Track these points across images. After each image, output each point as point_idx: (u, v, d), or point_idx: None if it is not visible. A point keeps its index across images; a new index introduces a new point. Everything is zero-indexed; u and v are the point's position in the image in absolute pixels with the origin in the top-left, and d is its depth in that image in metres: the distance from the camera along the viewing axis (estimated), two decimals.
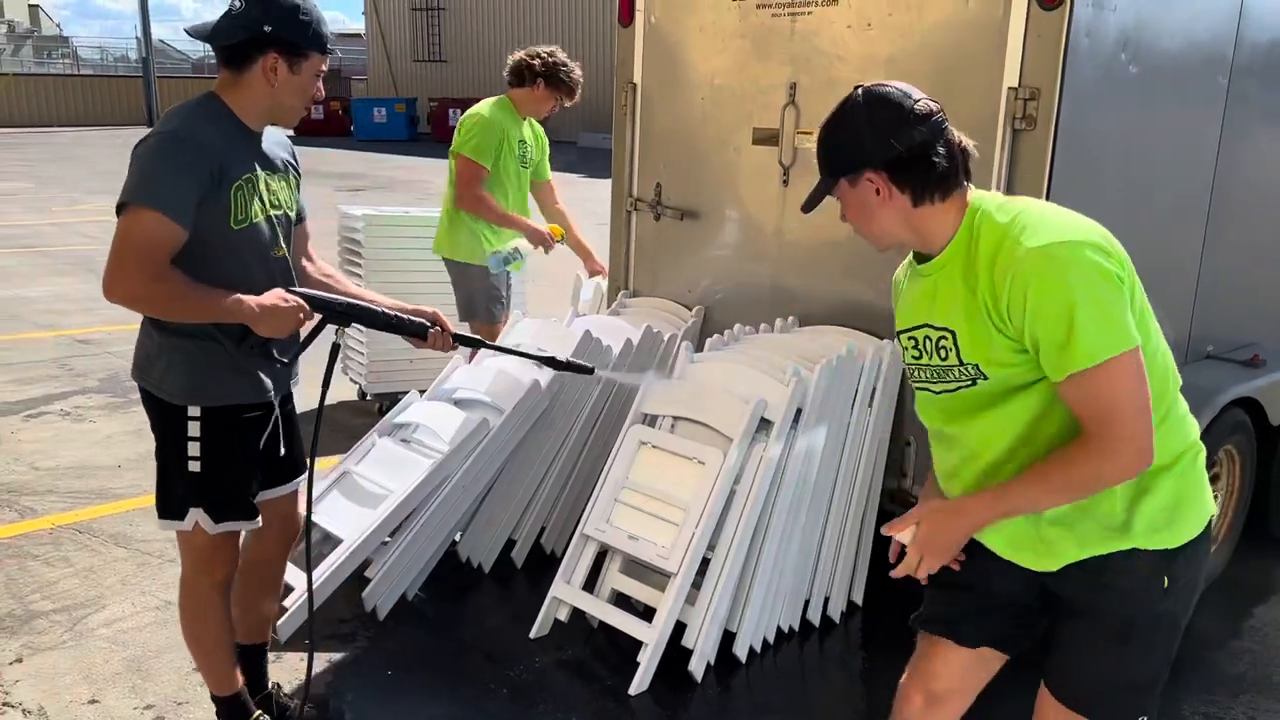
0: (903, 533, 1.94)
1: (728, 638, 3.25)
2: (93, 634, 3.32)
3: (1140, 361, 1.70)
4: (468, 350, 4.15)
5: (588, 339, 3.86)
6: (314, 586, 3.29)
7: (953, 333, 1.84)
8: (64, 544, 3.95)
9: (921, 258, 1.92)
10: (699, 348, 3.88)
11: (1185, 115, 3.51)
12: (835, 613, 3.53)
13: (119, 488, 4.47)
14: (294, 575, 3.42)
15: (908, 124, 1.79)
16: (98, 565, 3.78)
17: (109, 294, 2.20)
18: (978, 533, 1.91)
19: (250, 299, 2.27)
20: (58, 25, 65.45)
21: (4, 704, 2.94)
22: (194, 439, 2.38)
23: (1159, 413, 1.77)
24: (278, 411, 2.52)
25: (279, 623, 3.26)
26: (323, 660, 3.22)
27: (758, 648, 3.31)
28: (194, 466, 2.40)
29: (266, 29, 2.26)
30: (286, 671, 3.14)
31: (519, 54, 4.58)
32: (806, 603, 3.48)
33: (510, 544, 3.88)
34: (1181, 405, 1.89)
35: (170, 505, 2.46)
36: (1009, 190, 3.10)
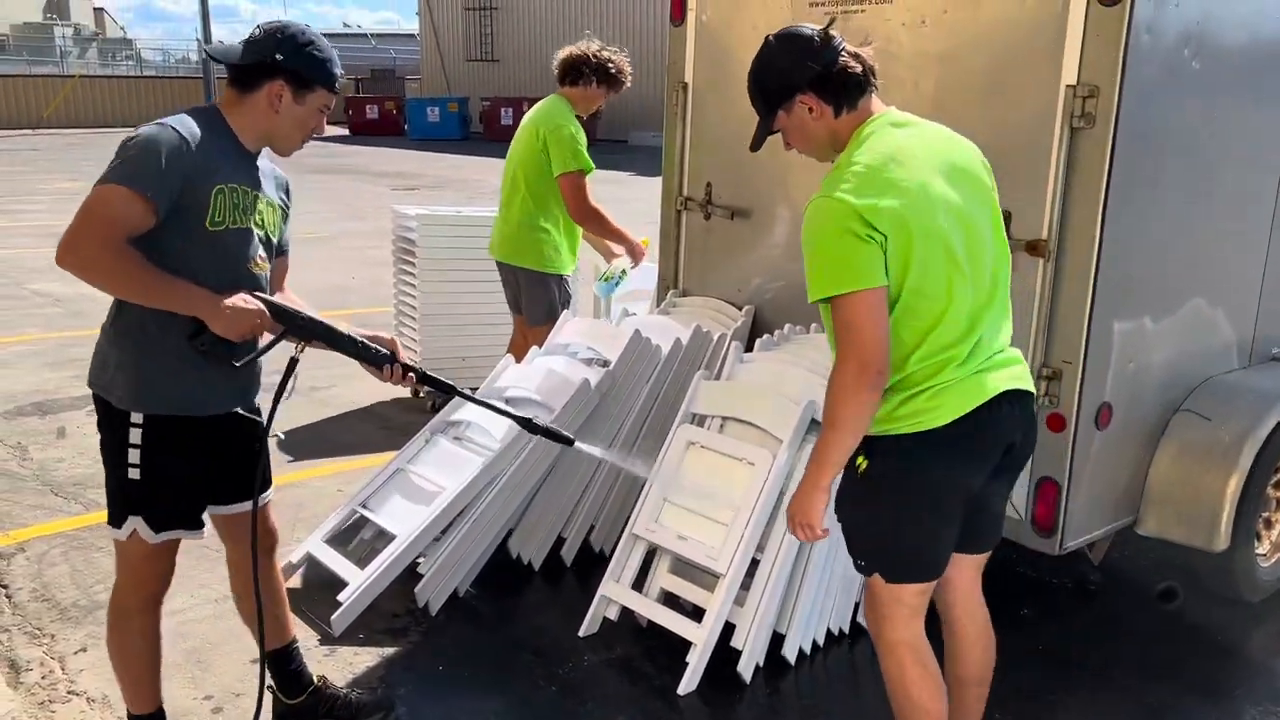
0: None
1: (777, 639, 3.24)
2: None
3: (871, 300, 2.10)
4: (510, 359, 4.18)
5: (638, 339, 3.87)
6: (368, 582, 3.36)
7: None
8: None
9: None
10: (749, 348, 3.87)
11: (1250, 111, 3.42)
12: None
13: None
14: (349, 570, 3.48)
15: (815, 47, 2.24)
16: None
17: (61, 259, 2.18)
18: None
19: (209, 293, 2.26)
20: (122, 28, 67.12)
21: (69, 692, 3.03)
22: (134, 446, 2.36)
23: (908, 345, 2.18)
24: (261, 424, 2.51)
25: (334, 617, 3.31)
26: (375, 654, 3.26)
27: (807, 650, 3.30)
28: (134, 474, 2.37)
29: (278, 58, 2.34)
30: (339, 664, 3.19)
31: (569, 51, 4.56)
32: (857, 605, 3.45)
33: (560, 542, 3.90)
34: (946, 356, 2.20)
35: (111, 512, 2.43)
36: (1067, 189, 3.05)
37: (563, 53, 4.58)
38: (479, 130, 29.55)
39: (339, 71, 2.46)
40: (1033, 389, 2.37)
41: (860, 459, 2.26)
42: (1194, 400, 3.50)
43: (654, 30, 25.14)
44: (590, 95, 4.56)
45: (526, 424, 2.68)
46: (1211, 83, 3.20)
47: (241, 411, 2.54)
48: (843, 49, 2.25)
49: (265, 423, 2.51)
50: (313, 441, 5.19)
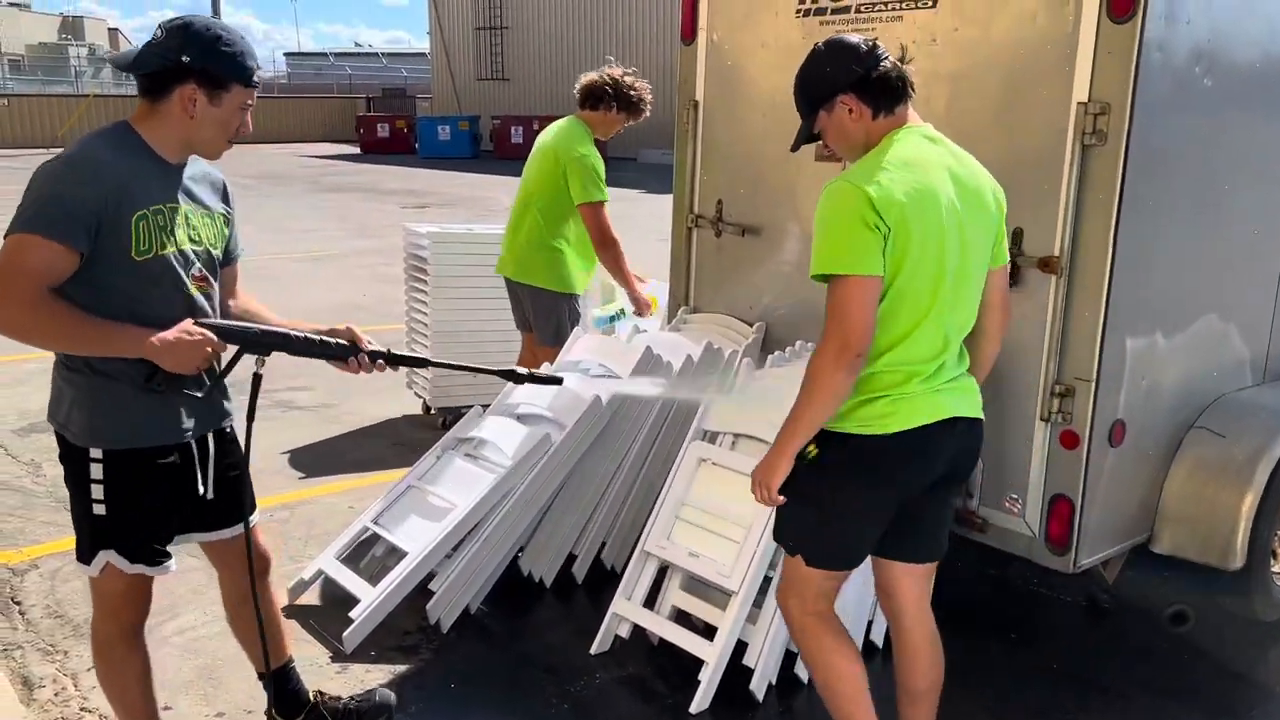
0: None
1: (789, 658, 3.23)
2: (166, 642, 3.40)
3: (864, 286, 2.21)
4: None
5: (649, 355, 3.87)
6: (380, 599, 3.35)
7: None
8: None
9: None
10: (760, 364, 3.87)
11: (1262, 127, 3.42)
12: None
13: None
14: (360, 587, 3.48)
15: (861, 53, 2.38)
16: (170, 574, 3.86)
17: None
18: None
19: (150, 333, 2.16)
20: (136, 48, 67.62)
21: (82, 710, 3.03)
22: (97, 481, 2.28)
23: (881, 346, 2.28)
24: (201, 450, 2.41)
25: (345, 634, 3.31)
26: (386, 672, 3.26)
27: None
28: (99, 510, 2.30)
29: (185, 59, 2.17)
30: (351, 681, 3.19)
31: (591, 76, 4.59)
32: (870, 624, 3.44)
33: (571, 559, 3.90)
34: (914, 369, 2.31)
35: (81, 549, 2.37)
36: (1079, 206, 3.05)
37: (585, 77, 4.61)
38: (489, 149, 29.65)
39: (255, 64, 2.28)
40: (982, 415, 2.51)
41: (811, 447, 2.36)
42: (1208, 417, 3.48)
43: (664, 49, 25.27)
44: (609, 120, 4.58)
45: (510, 375, 2.63)
46: (1223, 99, 3.20)
47: (220, 432, 2.48)
48: (886, 57, 2.40)
49: (244, 446, 2.40)
50: (324, 458, 5.20)
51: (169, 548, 2.46)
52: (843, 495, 2.42)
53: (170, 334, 2.17)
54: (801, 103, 2.49)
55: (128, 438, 2.29)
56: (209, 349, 2.22)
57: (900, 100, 2.41)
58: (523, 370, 2.63)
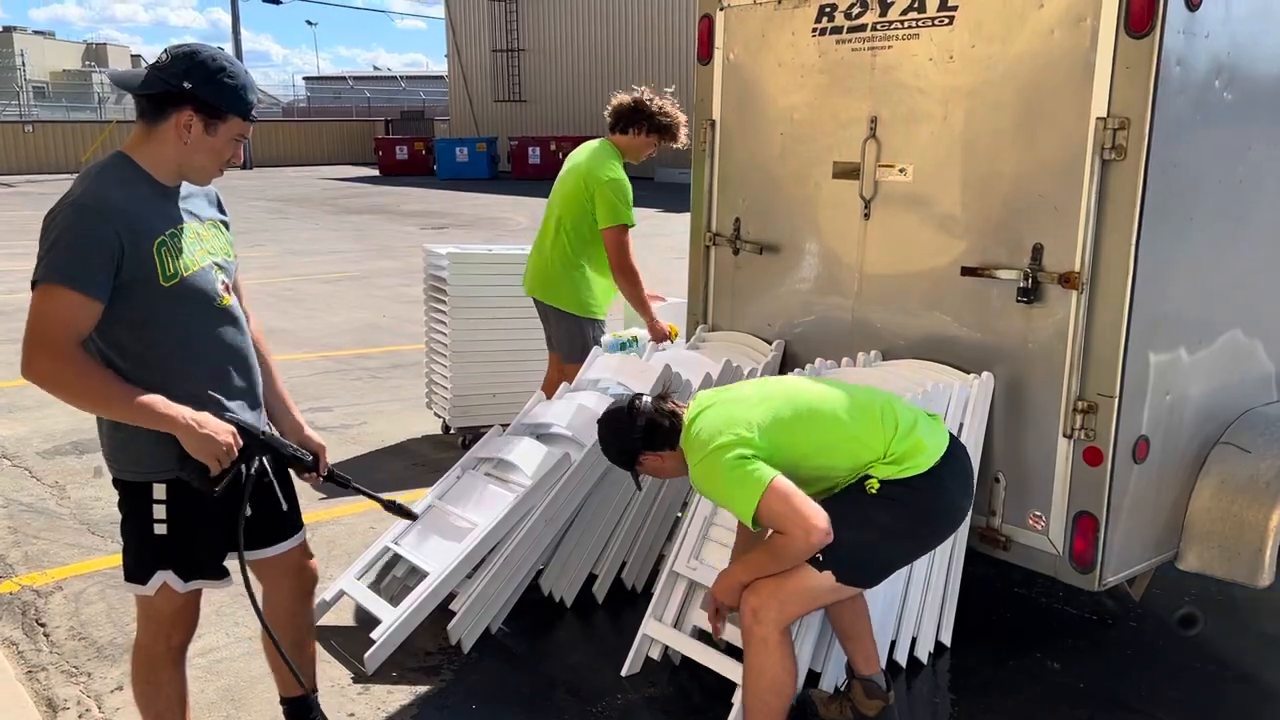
0: None
1: (813, 677, 3.20)
2: (189, 663, 3.36)
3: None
4: (541, 395, 4.19)
5: (667, 374, 3.87)
6: (401, 619, 3.35)
7: None
8: None
9: None
10: None
11: None
12: (923, 653, 3.45)
13: None
14: (381, 608, 3.48)
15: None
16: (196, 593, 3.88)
17: (24, 372, 2.13)
18: None
19: (182, 410, 2.18)
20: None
21: None
22: (159, 501, 2.31)
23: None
24: (256, 470, 2.39)
25: (367, 655, 3.32)
26: (408, 693, 3.26)
27: (843, 688, 3.25)
28: (160, 530, 2.32)
29: (186, 85, 2.19)
30: (372, 703, 3.18)
31: (620, 98, 4.54)
32: (893, 643, 3.41)
33: (592, 578, 3.89)
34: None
35: (135, 569, 2.38)
36: (1099, 221, 3.04)
37: (616, 99, 4.56)
38: (507, 169, 29.82)
39: (254, 99, 2.31)
40: None
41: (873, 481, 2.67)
42: (1233, 433, 3.45)
43: (681, 69, 25.36)
44: (640, 144, 4.55)
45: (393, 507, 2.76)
46: (1244, 112, 3.19)
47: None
48: None
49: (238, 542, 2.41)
50: None
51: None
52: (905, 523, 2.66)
53: (206, 422, 2.20)
54: None
55: (178, 467, 2.28)
56: (226, 449, 2.23)
57: None
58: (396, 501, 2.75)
